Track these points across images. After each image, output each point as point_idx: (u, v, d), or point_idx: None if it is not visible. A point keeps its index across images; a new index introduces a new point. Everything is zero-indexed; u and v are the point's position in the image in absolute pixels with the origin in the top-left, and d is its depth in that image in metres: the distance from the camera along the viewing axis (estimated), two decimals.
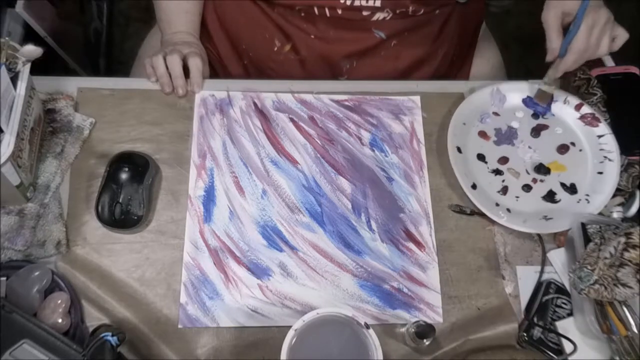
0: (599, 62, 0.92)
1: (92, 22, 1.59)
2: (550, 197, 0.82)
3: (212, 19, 0.97)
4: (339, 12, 0.87)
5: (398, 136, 0.87)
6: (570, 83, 0.90)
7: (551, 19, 0.78)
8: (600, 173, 0.83)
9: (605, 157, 0.84)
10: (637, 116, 0.87)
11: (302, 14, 0.89)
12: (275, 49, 0.94)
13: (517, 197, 0.82)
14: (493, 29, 1.11)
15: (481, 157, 0.85)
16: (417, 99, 0.89)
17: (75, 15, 1.49)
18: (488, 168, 0.84)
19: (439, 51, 0.98)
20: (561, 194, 0.83)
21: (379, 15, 0.88)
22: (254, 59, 0.98)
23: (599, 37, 0.78)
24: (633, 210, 0.80)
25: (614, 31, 0.80)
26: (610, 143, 0.84)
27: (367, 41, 0.92)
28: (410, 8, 0.87)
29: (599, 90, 0.88)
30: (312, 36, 0.92)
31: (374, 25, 0.90)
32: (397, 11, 0.87)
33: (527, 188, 0.83)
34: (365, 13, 0.87)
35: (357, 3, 0.85)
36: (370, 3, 0.86)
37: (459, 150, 0.84)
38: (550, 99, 0.87)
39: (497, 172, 0.84)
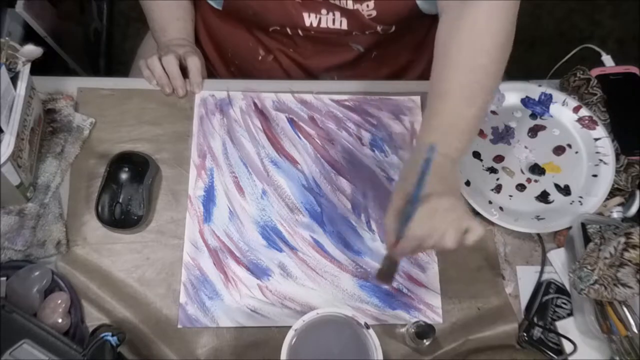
0: (598, 62, 0.92)
1: (92, 22, 1.59)
2: (543, 197, 0.82)
3: (200, 27, 0.97)
4: (312, 32, 0.86)
5: (398, 136, 0.87)
6: (570, 83, 0.90)
7: (394, 199, 0.66)
8: (595, 176, 0.83)
9: (600, 160, 0.84)
10: (637, 116, 0.87)
11: (279, 33, 0.89)
12: (260, 58, 0.94)
13: (511, 196, 0.82)
14: None
15: (476, 155, 0.85)
16: (417, 99, 0.89)
17: (75, 15, 1.49)
18: (483, 166, 0.84)
19: (424, 56, 0.98)
20: (555, 195, 0.83)
21: (353, 35, 0.87)
22: (240, 67, 0.98)
23: (441, 226, 0.63)
24: (633, 210, 0.80)
25: (465, 223, 0.64)
26: (606, 146, 0.84)
27: (345, 55, 0.92)
28: (378, 27, 0.85)
29: (598, 90, 0.88)
30: (291, 50, 0.92)
31: (351, 40, 0.89)
32: (367, 32, 0.86)
33: (520, 187, 0.83)
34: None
35: (323, 25, 0.84)
36: (337, 26, 0.84)
37: None
38: (391, 279, 0.72)
39: (492, 170, 0.84)
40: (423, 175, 0.61)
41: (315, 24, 0.84)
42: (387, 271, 0.70)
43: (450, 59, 0.70)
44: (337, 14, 0.83)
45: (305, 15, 0.83)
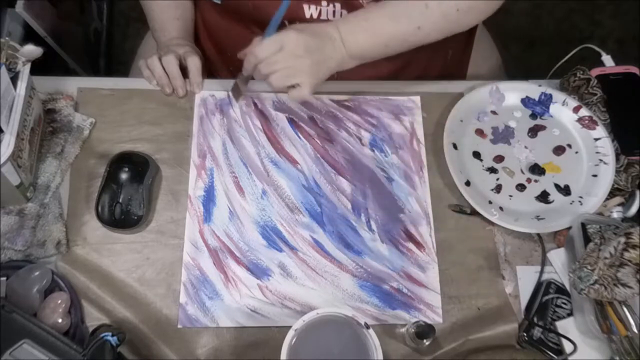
0: (598, 62, 0.92)
1: (92, 22, 1.59)
2: (543, 197, 0.82)
3: (199, 26, 0.97)
4: None
5: (398, 136, 0.87)
6: (570, 83, 0.90)
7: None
8: (595, 176, 0.83)
9: (600, 160, 0.84)
10: (637, 116, 0.86)
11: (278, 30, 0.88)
12: None
13: (511, 196, 0.82)
14: (492, 28, 1.11)
15: (477, 155, 0.85)
16: (417, 99, 0.89)
17: (75, 15, 1.49)
18: (483, 166, 0.84)
19: (423, 55, 0.97)
20: (555, 195, 0.83)
21: None
22: (240, 66, 0.97)
23: (276, 62, 0.73)
24: (633, 210, 0.80)
25: (297, 78, 0.74)
26: (606, 146, 0.84)
27: None
28: None
29: (598, 90, 0.88)
30: None
31: None
32: None
33: (521, 187, 0.83)
34: None
35: (323, 17, 0.84)
36: (338, 17, 0.84)
37: (454, 146, 0.84)
38: (239, 96, 0.85)
39: (492, 170, 0.84)
40: (280, 13, 0.71)
41: (315, 16, 0.84)
42: (237, 85, 0.83)
43: None
44: (338, 5, 0.83)
45: (306, 7, 0.83)
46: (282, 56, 0.73)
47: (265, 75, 0.75)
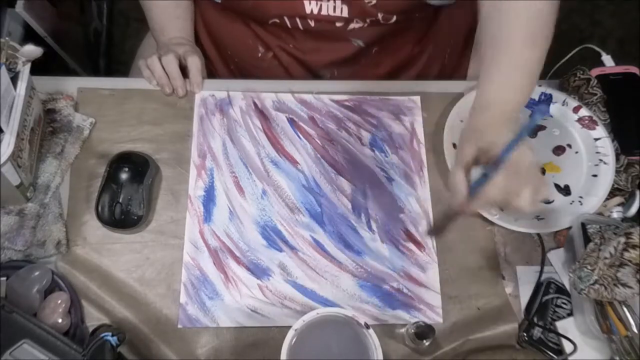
0: (598, 62, 0.92)
1: (92, 22, 1.59)
2: None
3: (199, 25, 0.97)
4: (312, 24, 0.85)
5: (398, 136, 0.87)
6: (570, 83, 0.90)
7: (463, 152, 0.64)
8: (595, 176, 0.83)
9: (600, 160, 0.84)
10: (637, 116, 0.86)
11: (278, 27, 0.88)
12: (259, 55, 0.94)
13: None
14: None
15: None
16: (417, 99, 0.89)
17: (75, 15, 1.49)
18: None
19: (423, 54, 0.97)
20: (555, 195, 0.83)
21: (354, 25, 0.86)
22: (240, 65, 0.98)
23: (519, 186, 0.61)
24: (633, 210, 0.80)
25: (537, 181, 0.63)
26: (606, 146, 0.84)
27: (345, 50, 0.92)
28: (379, 16, 0.84)
29: (598, 90, 0.88)
30: (291, 45, 0.92)
31: (351, 35, 0.89)
32: (368, 20, 0.85)
33: None
34: (339, 24, 0.86)
35: (324, 12, 0.84)
36: (338, 13, 0.84)
37: (455, 146, 0.84)
38: (442, 232, 0.75)
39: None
40: (518, 137, 0.58)
41: (315, 12, 0.83)
42: (441, 225, 0.73)
43: (508, 9, 0.70)
44: (338, 1, 0.82)
45: (306, 2, 0.82)
46: (520, 181, 0.62)
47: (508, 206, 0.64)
